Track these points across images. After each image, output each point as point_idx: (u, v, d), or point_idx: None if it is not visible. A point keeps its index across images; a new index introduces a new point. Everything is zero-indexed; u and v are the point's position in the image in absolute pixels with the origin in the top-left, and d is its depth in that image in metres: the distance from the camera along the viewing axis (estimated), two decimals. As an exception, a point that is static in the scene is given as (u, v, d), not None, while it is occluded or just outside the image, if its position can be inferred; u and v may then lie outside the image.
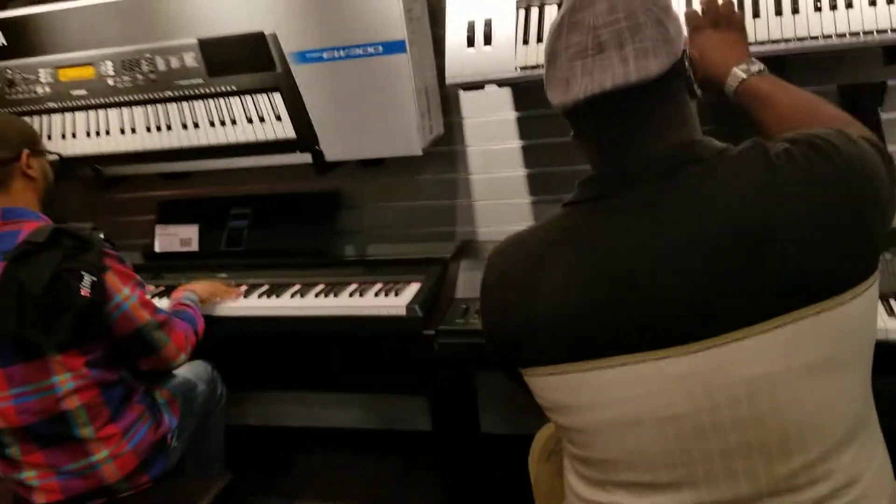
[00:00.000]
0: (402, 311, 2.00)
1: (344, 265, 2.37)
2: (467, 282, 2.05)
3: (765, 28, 1.57)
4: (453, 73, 1.78)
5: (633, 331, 1.00)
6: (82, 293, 1.61)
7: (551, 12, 1.73)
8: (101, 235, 1.72)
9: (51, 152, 1.92)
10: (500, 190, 2.29)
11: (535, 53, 1.70)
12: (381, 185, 2.40)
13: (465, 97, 2.21)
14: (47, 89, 2.20)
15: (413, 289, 2.08)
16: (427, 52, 1.96)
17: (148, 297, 1.81)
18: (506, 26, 1.75)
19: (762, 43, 1.57)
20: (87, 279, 1.62)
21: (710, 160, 1.04)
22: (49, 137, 2.24)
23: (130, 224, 2.72)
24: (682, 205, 1.01)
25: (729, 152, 1.05)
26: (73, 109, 2.21)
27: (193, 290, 2.10)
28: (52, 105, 2.22)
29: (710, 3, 1.48)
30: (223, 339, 2.36)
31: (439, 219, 2.38)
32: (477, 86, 1.81)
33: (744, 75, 1.36)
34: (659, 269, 0.99)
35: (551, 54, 1.07)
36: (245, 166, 2.18)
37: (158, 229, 2.57)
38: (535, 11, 1.74)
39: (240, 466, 2.67)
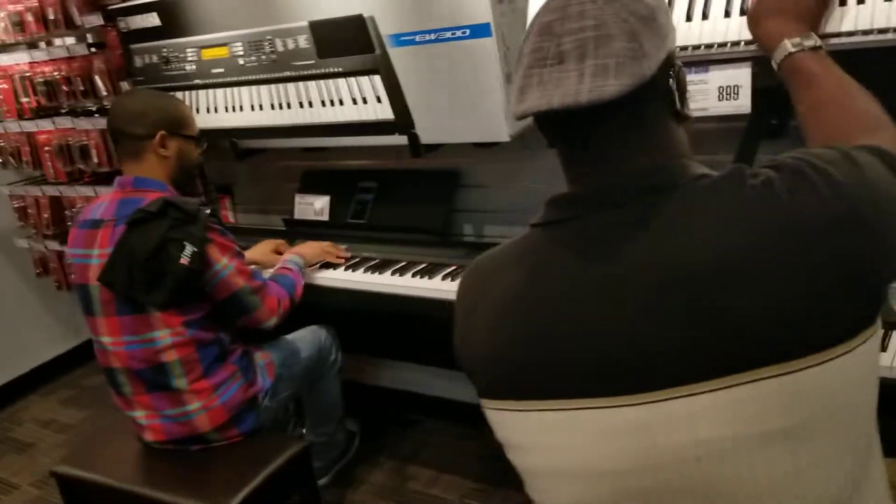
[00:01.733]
0: (486, 299, 1.98)
1: (452, 245, 2.39)
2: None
3: (868, 15, 1.33)
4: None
5: (574, 374, 0.92)
6: (182, 262, 1.78)
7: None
8: (208, 211, 1.88)
9: (198, 138, 2.09)
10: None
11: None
12: (499, 166, 2.37)
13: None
14: (193, 67, 2.41)
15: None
16: (522, 34, 1.88)
17: (245, 265, 1.96)
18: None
19: (867, 32, 1.33)
20: (189, 249, 1.79)
21: (680, 189, 0.92)
22: (197, 111, 2.45)
23: (283, 192, 2.91)
24: (638, 239, 0.91)
25: (703, 181, 0.93)
26: (213, 87, 2.40)
27: (301, 253, 2.23)
28: (197, 82, 2.43)
29: None
30: (335, 308, 2.49)
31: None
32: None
33: (792, 49, 1.18)
34: (604, 310, 0.91)
35: (519, 56, 0.99)
36: (351, 145, 2.25)
37: (297, 198, 2.74)
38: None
39: (367, 422, 2.85)
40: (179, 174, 2.02)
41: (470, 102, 1.92)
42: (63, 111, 3.02)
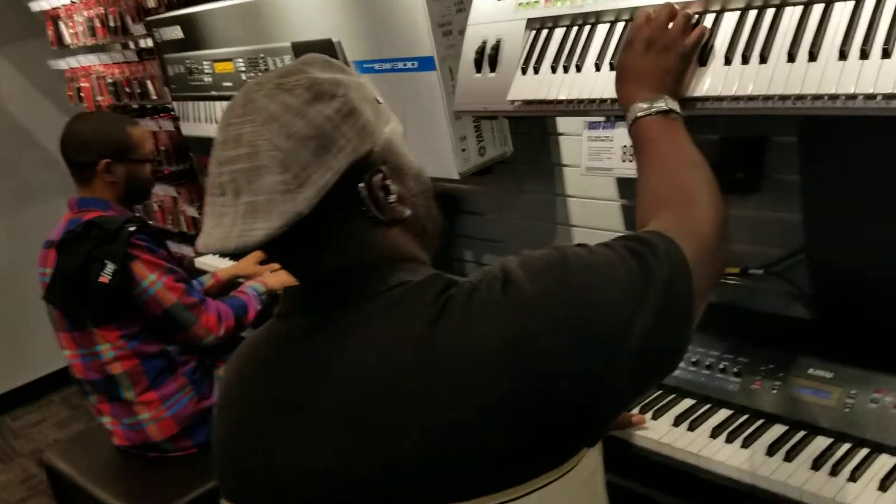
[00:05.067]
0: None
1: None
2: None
3: (766, 79, 1.14)
4: (461, 99, 1.60)
5: (251, 486, 0.89)
6: (101, 280, 1.85)
7: (558, 36, 1.45)
8: (132, 228, 1.92)
9: (150, 158, 2.15)
10: (596, 215, 2.02)
11: (535, 86, 1.45)
12: (491, 195, 2.28)
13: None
14: (210, 79, 2.48)
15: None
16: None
17: (177, 282, 2.00)
18: (515, 49, 1.52)
19: (769, 98, 1.14)
20: (110, 267, 1.86)
21: (371, 301, 0.85)
22: (216, 121, 2.53)
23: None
24: (322, 354, 0.85)
25: (396, 291, 0.84)
26: (225, 99, 2.46)
27: (264, 282, 2.24)
28: (213, 93, 2.50)
29: (655, 19, 1.16)
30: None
31: (540, 239, 2.18)
32: (485, 116, 1.61)
33: (639, 113, 1.07)
34: (281, 429, 0.86)
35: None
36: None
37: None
38: (543, 34, 1.48)
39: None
40: (128, 195, 2.09)
41: (422, 136, 1.85)
42: (132, 110, 3.22)
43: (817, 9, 1.13)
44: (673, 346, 0.84)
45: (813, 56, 1.10)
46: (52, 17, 3.36)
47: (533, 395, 0.75)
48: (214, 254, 0.81)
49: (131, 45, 3.08)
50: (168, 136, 2.98)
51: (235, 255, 0.81)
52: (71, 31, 3.24)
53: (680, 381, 1.52)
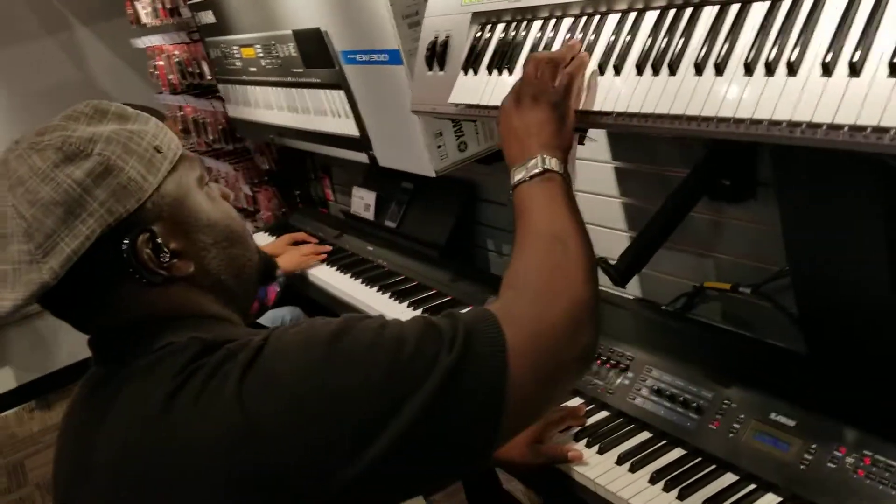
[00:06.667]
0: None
1: (455, 269, 2.22)
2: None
3: (671, 95, 0.97)
4: (416, 99, 1.49)
5: None
6: None
7: (499, 34, 1.31)
8: None
9: None
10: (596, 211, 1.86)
11: (474, 88, 1.33)
12: (500, 182, 2.15)
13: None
14: (239, 64, 2.48)
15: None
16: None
17: None
18: (461, 46, 1.39)
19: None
20: None
21: (136, 364, 0.81)
22: (250, 105, 2.54)
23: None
24: (98, 415, 0.82)
25: (155, 356, 0.79)
26: (252, 83, 2.45)
27: (279, 263, 2.24)
28: (244, 78, 2.50)
29: (524, 74, 1.06)
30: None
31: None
32: (436, 117, 1.50)
33: (515, 180, 0.97)
34: (77, 494, 0.84)
35: None
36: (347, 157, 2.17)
37: (355, 190, 2.72)
38: (487, 30, 1.34)
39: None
40: None
41: (397, 130, 1.76)
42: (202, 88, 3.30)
43: (733, 9, 0.95)
44: (455, 439, 0.73)
45: (719, 70, 0.93)
46: (130, -3, 3.48)
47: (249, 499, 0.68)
48: None
49: (193, 25, 3.13)
50: (224, 116, 3.03)
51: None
52: (144, 10, 3.34)
53: (641, 411, 1.38)
